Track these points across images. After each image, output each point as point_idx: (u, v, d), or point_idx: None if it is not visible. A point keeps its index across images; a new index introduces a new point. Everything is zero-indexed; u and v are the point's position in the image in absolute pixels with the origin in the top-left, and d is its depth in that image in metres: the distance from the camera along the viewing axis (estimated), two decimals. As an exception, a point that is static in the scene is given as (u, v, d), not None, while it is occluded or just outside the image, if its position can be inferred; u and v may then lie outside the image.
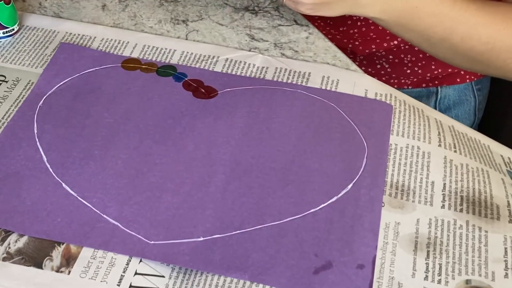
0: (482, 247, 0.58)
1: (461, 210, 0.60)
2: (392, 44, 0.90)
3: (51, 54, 0.73)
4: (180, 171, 0.62)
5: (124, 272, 0.55)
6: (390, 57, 0.92)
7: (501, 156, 0.67)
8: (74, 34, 0.76)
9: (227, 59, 0.74)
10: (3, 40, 0.75)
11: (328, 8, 0.72)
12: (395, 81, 0.94)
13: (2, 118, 0.66)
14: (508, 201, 0.61)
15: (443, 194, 0.62)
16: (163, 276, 0.55)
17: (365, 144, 0.65)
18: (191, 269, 0.55)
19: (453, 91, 0.94)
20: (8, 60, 0.72)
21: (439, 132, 0.67)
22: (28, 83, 0.70)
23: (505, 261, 0.57)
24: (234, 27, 0.79)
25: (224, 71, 0.72)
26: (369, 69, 0.94)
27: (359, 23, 0.89)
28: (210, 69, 0.73)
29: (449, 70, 0.92)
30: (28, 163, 0.62)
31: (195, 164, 0.63)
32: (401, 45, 0.90)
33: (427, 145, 0.66)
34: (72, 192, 0.60)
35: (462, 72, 0.93)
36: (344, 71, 0.74)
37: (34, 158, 0.62)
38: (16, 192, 0.60)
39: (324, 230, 0.58)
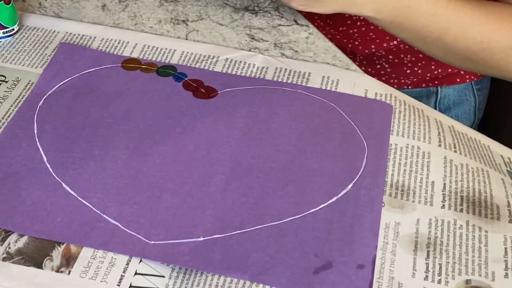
0: (482, 247, 0.58)
1: (461, 210, 0.60)
2: (392, 44, 0.90)
3: (51, 54, 0.73)
4: (180, 171, 0.62)
5: (124, 272, 0.55)
6: (390, 57, 0.92)
7: (501, 156, 0.67)
8: (74, 34, 0.76)
9: (227, 59, 0.74)
10: (3, 40, 0.75)
11: (320, 4, 0.72)
12: (395, 81, 0.94)
13: (2, 118, 0.66)
14: (508, 201, 0.61)
15: (443, 194, 0.62)
16: (163, 276, 0.55)
17: (365, 144, 0.66)
18: (191, 269, 0.55)
19: (453, 91, 0.94)
20: (8, 60, 0.72)
21: (439, 132, 0.67)
22: (28, 83, 0.70)
23: (505, 261, 0.57)
24: (234, 27, 0.79)
25: (224, 71, 0.72)
26: (369, 69, 0.94)
27: (359, 23, 0.89)
28: (210, 69, 0.73)
29: (449, 70, 0.92)
30: (28, 163, 0.62)
31: (195, 164, 0.63)
32: (401, 45, 0.90)
33: (427, 145, 0.66)
34: (72, 192, 0.60)
35: (462, 72, 0.93)
36: (344, 71, 0.74)
37: (34, 158, 0.62)
38: (16, 192, 0.60)
39: (324, 230, 0.58)
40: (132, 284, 0.54)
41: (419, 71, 0.92)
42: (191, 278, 0.55)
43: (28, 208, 0.58)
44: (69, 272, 0.54)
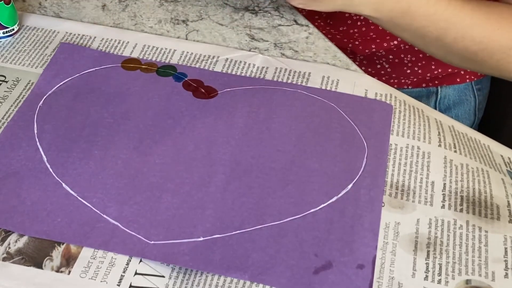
0: (482, 247, 0.58)
1: (461, 210, 0.60)
2: (392, 44, 0.90)
3: (51, 54, 0.73)
4: (180, 171, 0.62)
5: (124, 272, 0.55)
6: (390, 57, 0.92)
7: (501, 156, 0.67)
8: (74, 34, 0.76)
9: (227, 59, 0.74)
10: (3, 40, 0.75)
11: (320, 3, 0.72)
12: (395, 81, 0.94)
13: (2, 118, 0.66)
14: (508, 201, 0.61)
15: (443, 194, 0.62)
16: (163, 276, 0.55)
17: (365, 144, 0.65)
18: (191, 269, 0.55)
19: (453, 91, 0.94)
20: (8, 60, 0.72)
21: (439, 132, 0.67)
22: (28, 83, 0.70)
23: (505, 261, 0.57)
24: (234, 27, 0.79)
25: (224, 71, 0.72)
26: (369, 69, 0.94)
27: (359, 23, 0.89)
28: (210, 69, 0.73)
29: (449, 70, 0.92)
30: (28, 163, 0.62)
31: (195, 164, 0.63)
32: (401, 45, 0.90)
33: (427, 145, 0.66)
34: (72, 192, 0.60)
35: (462, 72, 0.93)
36: (344, 71, 0.74)
37: (34, 158, 0.62)
38: (16, 192, 0.60)
39: (324, 230, 0.58)
40: (132, 284, 0.54)
41: (419, 71, 0.92)
42: (191, 278, 0.55)
43: (28, 208, 0.58)
44: (69, 272, 0.54)
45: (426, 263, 0.56)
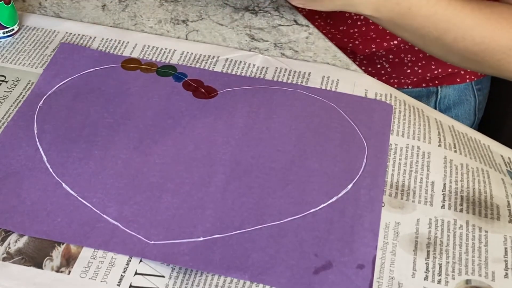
0: (482, 247, 0.58)
1: (461, 210, 0.60)
2: (392, 43, 0.90)
3: (51, 54, 0.73)
4: (180, 171, 0.62)
5: (124, 272, 0.55)
6: (390, 56, 0.92)
7: (501, 156, 0.67)
8: (74, 34, 0.76)
9: (227, 59, 0.74)
10: (3, 40, 0.75)
11: (320, 2, 0.72)
12: (395, 80, 0.94)
13: (2, 118, 0.66)
14: (508, 201, 0.61)
15: (443, 194, 0.62)
16: (163, 276, 0.55)
17: (365, 144, 0.66)
18: (191, 269, 0.55)
19: (453, 91, 0.94)
20: (8, 60, 0.72)
21: (439, 132, 0.67)
22: (28, 83, 0.70)
23: (505, 261, 0.57)
24: (234, 27, 0.79)
25: (224, 71, 0.72)
26: (369, 69, 0.94)
27: (359, 23, 0.89)
28: (210, 69, 0.73)
29: (449, 70, 0.92)
30: (28, 163, 0.62)
31: (195, 164, 0.63)
32: (401, 45, 0.90)
33: (427, 145, 0.66)
34: (72, 192, 0.60)
35: (462, 72, 0.93)
36: (344, 71, 0.74)
37: (34, 158, 0.62)
38: (16, 192, 0.60)
39: (324, 230, 0.58)
40: (132, 284, 0.54)
41: (419, 71, 0.92)
42: (191, 278, 0.55)
43: (28, 208, 0.58)
44: (69, 272, 0.54)
45: (426, 263, 0.56)
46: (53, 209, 0.58)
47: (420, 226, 0.59)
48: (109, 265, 0.55)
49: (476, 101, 0.95)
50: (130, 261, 0.55)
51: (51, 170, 0.61)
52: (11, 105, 0.68)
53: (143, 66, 0.72)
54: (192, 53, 0.75)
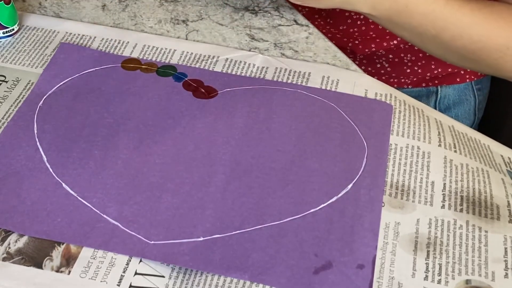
0: (482, 247, 0.58)
1: (461, 210, 0.60)
2: (392, 43, 0.90)
3: (51, 54, 0.73)
4: (180, 171, 0.62)
5: (124, 272, 0.55)
6: (390, 56, 0.92)
7: (501, 156, 0.67)
8: (74, 34, 0.76)
9: (227, 59, 0.74)
10: (3, 40, 0.75)
11: (318, 1, 0.72)
12: (395, 80, 0.94)
13: (2, 118, 0.66)
14: (508, 201, 0.61)
15: (443, 194, 0.62)
16: (163, 276, 0.55)
17: (365, 144, 0.66)
18: (191, 269, 0.55)
19: (453, 90, 0.94)
20: (8, 60, 0.72)
21: (439, 132, 0.67)
22: (28, 83, 0.70)
23: (505, 261, 0.57)
24: (234, 27, 0.79)
25: (224, 71, 0.73)
26: (369, 69, 0.94)
27: (359, 22, 0.89)
28: (210, 69, 0.73)
29: (449, 70, 0.92)
30: (28, 163, 0.62)
31: (195, 164, 0.63)
32: (401, 45, 0.90)
33: (427, 145, 0.66)
34: (72, 192, 0.60)
35: (462, 72, 0.93)
36: (344, 71, 0.74)
37: (34, 158, 0.62)
38: (16, 192, 0.60)
39: (324, 230, 0.58)
40: (132, 284, 0.54)
41: (419, 71, 0.92)
42: (191, 278, 0.55)
43: (28, 208, 0.58)
44: (69, 272, 0.54)
45: (426, 263, 0.56)
46: (53, 209, 0.58)
47: (420, 226, 0.59)
48: (109, 265, 0.55)
49: (476, 101, 0.95)
50: (130, 261, 0.55)
51: (51, 170, 0.61)
52: (11, 105, 0.68)
53: (143, 66, 0.72)
54: (192, 53, 0.75)
